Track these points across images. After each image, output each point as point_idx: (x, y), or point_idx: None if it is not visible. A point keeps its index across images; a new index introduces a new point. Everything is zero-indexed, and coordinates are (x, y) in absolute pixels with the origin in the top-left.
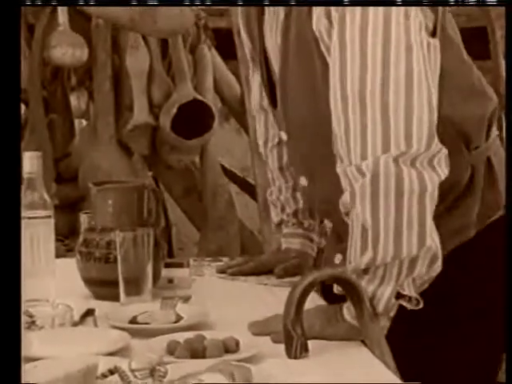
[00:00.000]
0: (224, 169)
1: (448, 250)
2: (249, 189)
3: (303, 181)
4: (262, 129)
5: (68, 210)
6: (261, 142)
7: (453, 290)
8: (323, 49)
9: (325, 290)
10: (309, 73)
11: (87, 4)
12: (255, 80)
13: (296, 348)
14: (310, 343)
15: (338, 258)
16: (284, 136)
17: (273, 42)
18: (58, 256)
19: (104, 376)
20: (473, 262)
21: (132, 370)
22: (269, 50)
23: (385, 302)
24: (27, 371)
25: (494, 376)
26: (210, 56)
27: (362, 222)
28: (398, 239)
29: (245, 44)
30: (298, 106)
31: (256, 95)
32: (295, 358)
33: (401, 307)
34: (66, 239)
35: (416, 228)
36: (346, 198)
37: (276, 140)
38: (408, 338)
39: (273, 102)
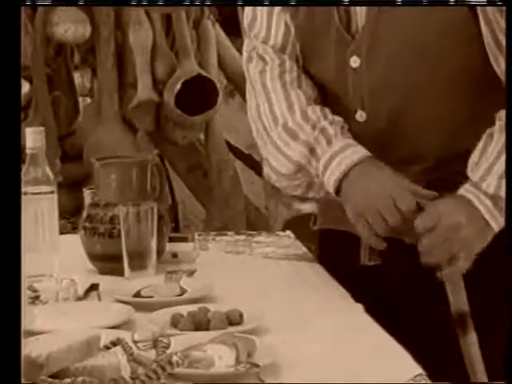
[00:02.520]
0: (229, 145)
1: None
2: (254, 165)
3: (361, 115)
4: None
5: (74, 188)
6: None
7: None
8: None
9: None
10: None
11: (86, 4)
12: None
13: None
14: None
15: None
16: (354, 63)
17: None
18: (63, 233)
19: (107, 348)
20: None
21: (135, 342)
22: None
23: None
24: (29, 343)
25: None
26: (214, 32)
27: None
28: None
29: None
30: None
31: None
32: (364, 263)
33: None
34: (71, 217)
35: None
36: None
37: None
38: None
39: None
